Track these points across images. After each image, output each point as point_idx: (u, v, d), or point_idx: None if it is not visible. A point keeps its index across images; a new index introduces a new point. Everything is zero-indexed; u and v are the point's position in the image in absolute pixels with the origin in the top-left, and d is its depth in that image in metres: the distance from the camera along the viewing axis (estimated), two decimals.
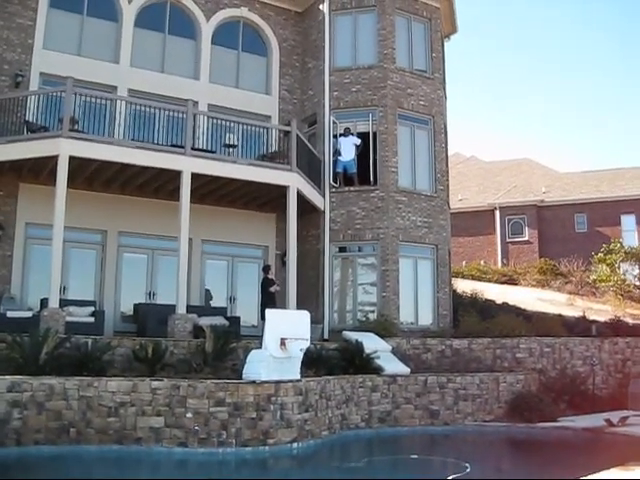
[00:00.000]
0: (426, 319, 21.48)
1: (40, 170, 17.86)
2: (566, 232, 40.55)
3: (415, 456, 13.04)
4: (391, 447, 14.98)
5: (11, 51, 19.16)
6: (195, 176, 17.95)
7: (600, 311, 27.06)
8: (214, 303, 21.05)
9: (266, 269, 19.76)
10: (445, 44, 24.98)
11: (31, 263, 18.55)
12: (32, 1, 19.63)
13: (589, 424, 16.25)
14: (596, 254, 34.69)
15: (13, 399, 11.88)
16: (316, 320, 19.49)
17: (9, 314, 16.20)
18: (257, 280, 21.46)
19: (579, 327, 21.93)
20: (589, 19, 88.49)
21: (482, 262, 39.10)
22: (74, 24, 20.38)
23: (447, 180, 23.51)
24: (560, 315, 24.25)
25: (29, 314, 16.46)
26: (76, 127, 17.44)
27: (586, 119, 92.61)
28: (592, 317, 24.04)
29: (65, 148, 16.43)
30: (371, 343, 17.72)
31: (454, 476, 10.09)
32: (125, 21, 20.93)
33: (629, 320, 24.64)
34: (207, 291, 21.25)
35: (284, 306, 18.70)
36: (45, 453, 11.73)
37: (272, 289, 18.73)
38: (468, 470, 10.82)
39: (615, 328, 22.09)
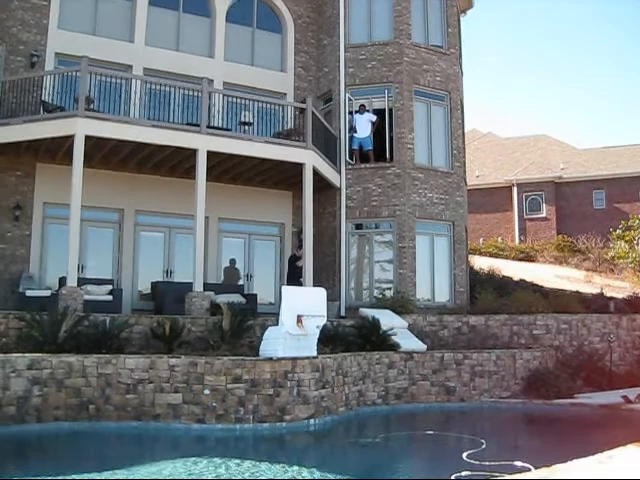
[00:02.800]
0: (443, 296, 21.48)
1: (57, 150, 17.93)
2: (584, 208, 40.37)
3: (431, 432, 13.06)
4: (407, 423, 15.03)
5: (26, 31, 19.17)
6: (211, 154, 17.97)
7: (618, 288, 26.96)
8: (236, 280, 21.12)
9: (299, 247, 20.11)
10: (461, 19, 24.77)
11: (49, 242, 18.69)
12: None
13: (606, 401, 16.24)
14: (614, 231, 34.55)
15: (33, 376, 12.02)
16: (333, 297, 19.57)
17: (28, 293, 16.36)
18: (274, 257, 21.74)
19: (597, 304, 21.84)
20: None
21: (499, 239, 39.01)
22: (88, 3, 20.33)
23: (464, 157, 23.39)
24: (578, 292, 24.19)
25: (48, 293, 16.62)
26: (92, 106, 17.46)
27: (605, 94, 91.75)
28: (610, 294, 23.94)
29: (81, 127, 16.47)
30: (388, 320, 17.75)
31: (470, 452, 10.10)
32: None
33: None
34: (231, 270, 21.28)
35: (301, 283, 18.80)
36: (65, 429, 11.89)
37: (298, 263, 19.09)
38: (484, 446, 10.85)
39: (633, 305, 21.99)
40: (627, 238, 33.82)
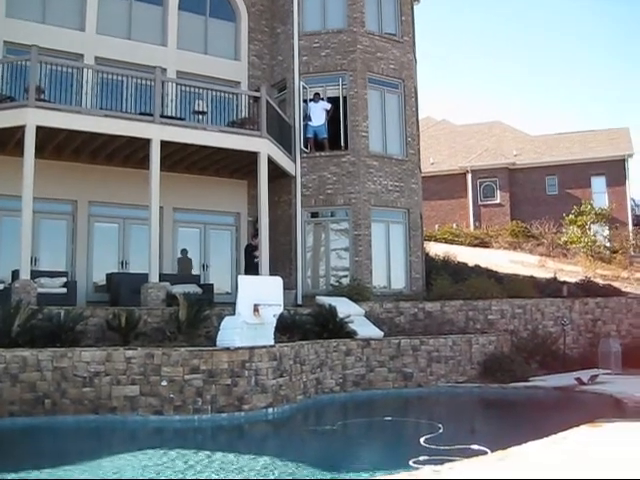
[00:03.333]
0: (399, 283, 21.62)
1: (7, 141, 17.59)
2: (537, 194, 40.88)
3: (389, 418, 13.17)
4: (366, 410, 15.14)
5: None
6: (165, 144, 17.80)
7: (571, 272, 27.41)
8: (190, 271, 21.03)
9: (254, 236, 20.08)
10: (415, 7, 24.85)
11: (1, 235, 18.33)
12: None
13: (560, 383, 16.52)
14: (567, 216, 35.08)
15: None
16: (289, 286, 19.57)
17: None
18: (230, 247, 21.65)
19: (550, 288, 22.21)
20: None
21: (454, 225, 39.34)
22: None
23: (418, 144, 23.53)
24: (532, 277, 24.54)
25: (0, 286, 16.35)
26: (42, 96, 17.16)
27: (558, 81, 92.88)
28: (563, 278, 24.36)
29: (32, 118, 16.19)
30: (344, 307, 17.82)
31: (427, 436, 10.21)
32: None
33: (599, 281, 25.01)
34: (187, 260, 21.18)
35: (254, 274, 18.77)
36: (20, 424, 11.73)
37: (256, 254, 19.08)
38: (441, 431, 10.97)
39: (585, 289, 22.44)
40: (579, 223, 34.41)
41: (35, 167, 16.10)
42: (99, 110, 17.76)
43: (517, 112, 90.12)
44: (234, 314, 14.11)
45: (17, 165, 16.30)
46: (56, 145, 18.07)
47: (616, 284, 25.00)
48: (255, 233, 20.53)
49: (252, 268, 19.47)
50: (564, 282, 23.16)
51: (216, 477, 8.53)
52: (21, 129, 16.33)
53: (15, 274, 16.25)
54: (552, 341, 19.54)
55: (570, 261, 31.20)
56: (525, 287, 21.13)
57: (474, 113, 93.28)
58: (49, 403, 12.17)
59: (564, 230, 34.77)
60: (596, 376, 16.90)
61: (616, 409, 12.86)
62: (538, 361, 18.74)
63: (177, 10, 21.90)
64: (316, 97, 21.63)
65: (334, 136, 21.72)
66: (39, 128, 16.29)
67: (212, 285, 19.75)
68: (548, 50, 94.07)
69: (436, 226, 38.66)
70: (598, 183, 40.32)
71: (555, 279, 23.76)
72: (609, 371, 18.10)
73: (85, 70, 18.48)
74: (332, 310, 17.35)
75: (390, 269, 21.54)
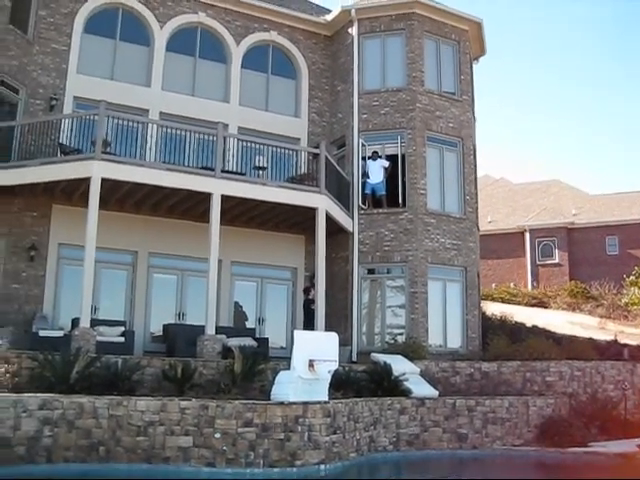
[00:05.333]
0: (455, 342, 21.38)
1: (73, 192, 18.14)
2: (597, 254, 40.29)
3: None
4: (419, 470, 14.92)
5: (46, 75, 19.57)
6: (225, 198, 18.11)
7: (632, 335, 26.80)
8: (245, 324, 21.16)
9: (307, 291, 20.23)
10: (474, 66, 25.03)
11: (63, 283, 18.81)
12: (67, 27, 20.10)
13: (621, 449, 16.05)
14: (628, 277, 34.43)
15: (44, 416, 11.96)
16: (344, 342, 19.49)
17: (41, 333, 16.41)
18: (285, 301, 21.75)
19: (610, 351, 21.70)
20: (617, 42, 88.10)
21: (512, 285, 38.91)
22: (107, 48, 20.79)
23: (476, 202, 23.48)
24: (591, 338, 24.04)
25: (60, 333, 16.65)
26: (108, 149, 17.68)
27: (617, 140, 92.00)
28: (624, 341, 23.80)
29: (97, 170, 16.67)
30: (399, 365, 17.67)
31: None
32: (157, 45, 21.29)
33: None
34: (241, 312, 21.35)
35: (313, 328, 18.79)
36: (74, 471, 11.80)
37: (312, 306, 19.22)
38: None
39: None
40: None
41: (98, 218, 16.50)
42: (162, 164, 18.16)
43: (576, 171, 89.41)
44: (289, 368, 14.11)
45: (81, 215, 16.76)
46: (119, 197, 18.53)
47: None
48: (309, 287, 20.67)
49: (309, 322, 19.55)
50: (625, 344, 22.64)
51: None
52: (87, 181, 16.81)
53: (75, 322, 16.56)
54: (612, 405, 19.01)
55: (631, 323, 30.51)
56: (584, 349, 20.66)
57: (533, 171, 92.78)
58: (103, 450, 12.23)
59: (625, 291, 34.10)
60: None
61: None
62: (598, 426, 18.22)
63: (240, 68, 22.47)
64: (374, 155, 21.78)
65: (392, 193, 21.78)
66: (104, 180, 16.74)
67: (267, 339, 19.79)
68: (608, 108, 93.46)
69: (493, 285, 38.27)
70: None
71: (616, 341, 23.24)
72: None
73: (150, 125, 19.02)
74: (387, 368, 17.22)
75: (446, 328, 21.33)
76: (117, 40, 21.01)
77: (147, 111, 20.57)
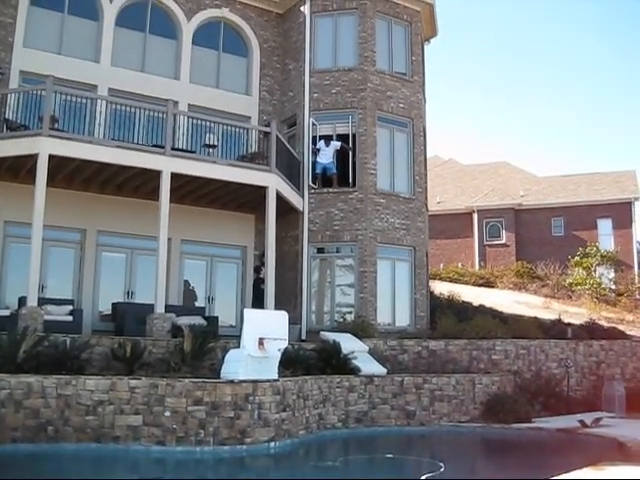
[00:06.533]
0: (403, 320, 21.64)
1: (19, 168, 17.80)
2: (543, 235, 40.93)
3: (390, 455, 13.15)
4: (367, 447, 15.09)
5: None
6: (175, 176, 17.97)
7: (576, 314, 27.38)
8: (193, 302, 21.12)
9: (257, 269, 20.27)
10: (425, 47, 25.17)
11: (9, 261, 18.50)
12: None
13: (563, 425, 16.48)
14: (572, 258, 35.14)
15: None
16: (294, 321, 19.60)
17: None
18: (235, 280, 21.73)
19: (555, 330, 22.16)
20: (572, 21, 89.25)
21: (460, 264, 39.38)
22: (55, 22, 20.34)
23: (425, 182, 23.68)
24: (536, 318, 24.49)
25: (7, 312, 16.43)
26: (56, 126, 17.42)
27: (566, 123, 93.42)
28: (568, 320, 24.32)
29: (45, 147, 16.40)
30: (348, 344, 17.83)
31: (428, 475, 10.20)
32: (106, 20, 20.90)
33: (604, 323, 25.00)
34: (190, 291, 21.31)
35: (262, 306, 18.84)
36: (22, 451, 11.75)
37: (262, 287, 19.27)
38: (442, 469, 10.96)
39: (590, 331, 22.40)
40: (585, 265, 34.45)
41: (46, 195, 16.26)
42: (111, 141, 17.95)
43: (524, 153, 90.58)
44: (239, 347, 14.17)
45: (28, 193, 16.49)
46: (67, 174, 18.25)
47: (621, 327, 24.97)
48: (259, 266, 20.72)
49: (260, 300, 19.57)
50: (569, 324, 23.13)
51: None
52: (34, 157, 16.51)
53: (22, 301, 16.34)
54: (556, 383, 19.47)
55: (575, 303, 31.17)
56: (529, 328, 21.08)
57: (481, 153, 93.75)
58: (52, 430, 12.20)
59: (569, 272, 34.79)
60: (600, 419, 16.84)
61: (619, 452, 12.82)
62: (541, 402, 18.67)
63: (191, 44, 22.24)
64: (328, 140, 21.80)
65: (342, 173, 21.88)
66: (51, 157, 16.48)
67: (217, 318, 19.75)
68: (558, 91, 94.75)
69: (441, 265, 38.70)
70: (604, 225, 40.36)
71: (560, 321, 23.73)
72: (613, 414, 18.02)
73: (98, 101, 18.73)
74: (336, 346, 17.37)
75: (395, 306, 21.57)
76: (65, 14, 20.54)
77: (96, 87, 20.23)
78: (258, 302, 19.74)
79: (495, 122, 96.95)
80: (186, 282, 21.26)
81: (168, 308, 17.97)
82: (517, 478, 8.27)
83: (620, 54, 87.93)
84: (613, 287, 34.24)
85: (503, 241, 41.57)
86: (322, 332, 19.08)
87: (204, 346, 15.68)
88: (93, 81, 20.29)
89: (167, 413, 12.52)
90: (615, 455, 12.28)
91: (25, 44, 19.61)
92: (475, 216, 42.44)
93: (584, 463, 9.95)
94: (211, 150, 19.96)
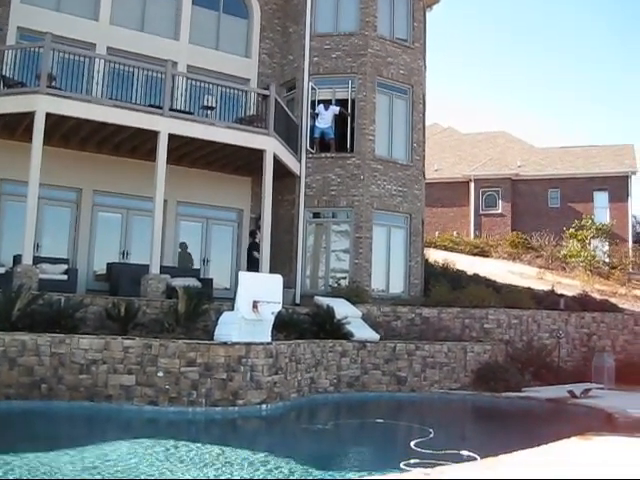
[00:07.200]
0: (397, 287, 21.73)
1: (16, 126, 17.69)
2: (539, 206, 40.92)
3: (381, 420, 13.28)
4: (358, 411, 15.23)
5: None
6: (172, 137, 17.89)
7: (569, 286, 27.49)
8: (189, 265, 21.15)
9: (253, 234, 20.28)
10: (427, 14, 24.95)
11: (5, 219, 18.49)
12: None
13: (552, 395, 16.61)
14: (568, 229, 35.20)
15: None
16: (288, 284, 19.62)
17: None
18: (231, 243, 21.75)
19: (547, 300, 22.27)
20: None
21: (455, 233, 39.41)
22: None
23: (423, 150, 23.62)
24: (529, 288, 24.61)
25: (2, 270, 16.46)
26: (54, 84, 17.26)
27: (566, 94, 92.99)
28: (561, 291, 24.42)
29: (42, 104, 16.29)
30: (342, 309, 17.91)
31: (417, 440, 10.30)
32: None
33: (596, 296, 25.11)
34: (186, 253, 21.32)
35: (256, 271, 18.87)
36: (16, 408, 11.82)
37: (255, 254, 19.21)
38: (432, 435, 11.06)
39: (582, 303, 22.52)
40: (579, 237, 34.53)
41: (42, 154, 16.18)
42: (109, 100, 17.82)
43: (523, 124, 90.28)
44: (232, 309, 14.24)
45: (24, 151, 16.40)
46: (64, 133, 18.17)
47: (613, 300, 25.10)
48: (255, 230, 20.71)
49: (253, 265, 19.62)
50: (561, 295, 23.24)
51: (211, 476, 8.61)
52: (30, 115, 16.42)
53: (17, 259, 16.35)
54: (547, 353, 19.62)
55: (568, 275, 31.29)
56: (522, 298, 21.18)
57: (480, 122, 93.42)
58: (45, 388, 12.27)
59: (564, 244, 34.88)
60: (589, 390, 17.00)
61: (607, 423, 12.94)
62: (532, 372, 18.80)
63: (191, 4, 22.02)
64: (327, 104, 21.69)
65: (341, 138, 21.82)
66: (48, 115, 16.37)
67: (211, 280, 19.80)
68: (559, 64, 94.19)
69: (436, 233, 38.73)
70: (600, 198, 40.35)
71: (553, 292, 23.83)
72: (602, 386, 18.17)
73: (97, 60, 18.55)
74: (330, 311, 17.45)
75: (389, 273, 21.65)
76: None
77: (94, 45, 20.04)
78: (251, 267, 19.77)
79: (495, 92, 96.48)
80: (182, 244, 21.27)
81: (163, 269, 17.99)
82: (506, 447, 8.39)
83: (619, 29, 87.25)
84: (607, 260, 34.38)
85: (499, 211, 41.56)
86: (316, 297, 19.15)
87: (198, 308, 15.73)
88: (91, 39, 20.09)
89: (160, 373, 12.60)
90: (602, 426, 12.39)
91: (23, 0, 19.37)
92: (472, 185, 42.37)
93: (572, 433, 10.04)
94: (209, 112, 19.86)
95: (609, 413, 13.79)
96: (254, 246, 20.39)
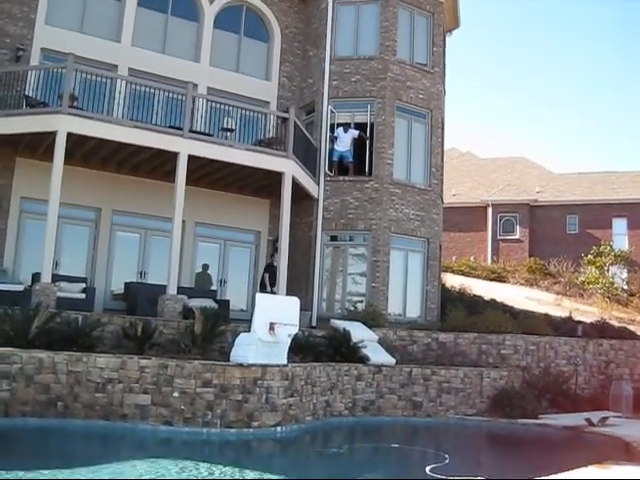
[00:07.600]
0: (414, 311, 21.66)
1: (37, 145, 17.89)
2: (557, 232, 40.74)
3: (396, 445, 13.21)
4: (373, 435, 15.16)
5: (13, 24, 19.13)
6: (191, 158, 18.01)
7: (587, 312, 27.30)
8: (208, 286, 21.20)
9: (271, 256, 20.38)
10: (447, 38, 25.07)
11: (25, 237, 18.62)
12: None
13: (570, 423, 16.46)
14: (586, 256, 34.99)
15: (2, 370, 11.96)
16: (305, 307, 19.59)
17: (1, 287, 16.22)
18: (248, 264, 21.78)
19: (565, 327, 22.12)
20: (590, 20, 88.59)
21: (472, 258, 39.30)
22: (77, 1, 20.35)
23: (442, 174, 23.63)
24: (547, 314, 24.43)
25: (21, 288, 16.54)
26: (75, 104, 17.45)
27: (584, 120, 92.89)
28: (578, 318, 24.25)
29: (64, 124, 16.46)
30: (358, 332, 17.86)
31: (433, 466, 10.23)
32: (128, 0, 20.91)
33: (615, 323, 24.91)
34: (206, 275, 21.37)
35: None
36: (31, 425, 11.83)
37: (265, 276, 19.56)
38: (447, 461, 10.98)
39: (600, 330, 22.33)
40: (598, 264, 34.31)
41: (63, 173, 16.33)
42: (129, 121, 17.97)
43: (541, 149, 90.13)
44: (249, 331, 14.21)
45: (45, 170, 16.59)
46: (85, 153, 18.34)
47: (631, 327, 24.86)
48: (273, 252, 20.75)
49: (262, 287, 19.66)
50: (579, 322, 23.07)
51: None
52: (52, 134, 16.59)
53: (36, 277, 16.45)
54: (564, 380, 19.45)
55: (586, 301, 31.07)
56: (540, 324, 21.04)
57: (499, 147, 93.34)
58: (61, 406, 12.28)
59: (582, 270, 34.67)
60: (606, 418, 16.82)
61: (625, 452, 12.82)
62: (549, 399, 18.65)
63: (212, 28, 22.22)
64: (346, 128, 21.78)
65: (359, 162, 21.86)
66: (70, 135, 16.54)
67: (228, 301, 19.85)
68: (576, 89, 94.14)
69: (453, 258, 38.62)
70: (619, 225, 40.12)
71: (570, 318, 23.67)
72: (619, 414, 17.99)
73: (118, 81, 18.75)
74: (346, 334, 17.41)
75: (406, 297, 21.59)
76: None
77: (116, 67, 20.27)
78: (264, 288, 19.74)
79: (514, 117, 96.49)
80: (203, 265, 21.31)
81: (180, 290, 18.06)
82: (522, 474, 8.30)
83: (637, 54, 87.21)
84: (625, 287, 34.11)
85: (517, 236, 41.41)
86: (332, 320, 19.10)
87: (215, 329, 15.76)
88: (113, 61, 20.31)
89: (176, 394, 12.59)
90: (621, 455, 12.28)
91: (47, 21, 19.64)
92: (490, 210, 42.28)
93: (589, 461, 9.95)
94: (229, 134, 19.97)
95: (627, 442, 13.66)
96: (268, 268, 20.35)
